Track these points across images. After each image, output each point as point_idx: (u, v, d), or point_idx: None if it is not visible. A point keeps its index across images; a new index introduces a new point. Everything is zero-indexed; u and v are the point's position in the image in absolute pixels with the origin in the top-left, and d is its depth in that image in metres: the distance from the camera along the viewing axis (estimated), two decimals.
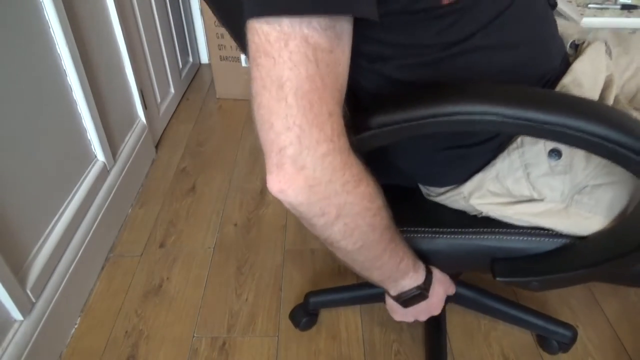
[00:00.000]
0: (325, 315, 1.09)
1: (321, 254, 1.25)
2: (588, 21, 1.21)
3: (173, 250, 1.27)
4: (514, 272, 0.63)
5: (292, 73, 0.41)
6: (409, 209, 0.73)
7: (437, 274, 0.68)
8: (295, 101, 0.41)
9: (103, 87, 1.27)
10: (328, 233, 0.50)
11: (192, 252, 1.27)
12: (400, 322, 1.07)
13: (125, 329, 1.07)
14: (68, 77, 1.09)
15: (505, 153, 0.61)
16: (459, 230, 0.66)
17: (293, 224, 1.34)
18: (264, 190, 1.47)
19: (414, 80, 0.55)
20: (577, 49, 0.68)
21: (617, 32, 0.83)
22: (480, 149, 0.62)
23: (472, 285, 1.01)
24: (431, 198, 0.71)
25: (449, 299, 0.99)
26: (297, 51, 0.40)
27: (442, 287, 0.70)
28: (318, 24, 0.40)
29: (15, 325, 0.90)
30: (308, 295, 1.05)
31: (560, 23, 0.75)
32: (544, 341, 1.01)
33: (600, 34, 0.82)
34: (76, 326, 1.07)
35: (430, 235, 0.66)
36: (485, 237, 0.64)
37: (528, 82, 0.59)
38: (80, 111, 1.15)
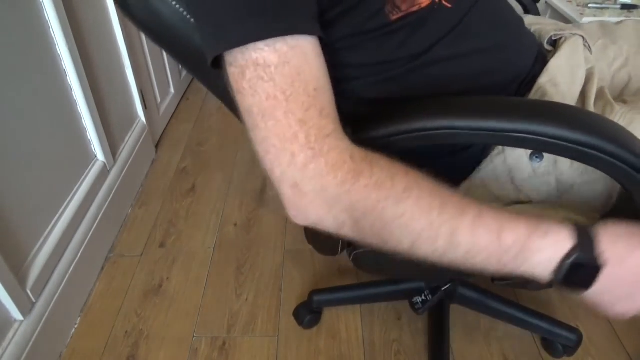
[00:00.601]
0: (325, 315, 1.09)
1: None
2: (588, 21, 1.22)
3: (173, 250, 1.27)
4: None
5: (254, 99, 0.42)
6: None
7: (609, 229, 0.44)
8: (264, 124, 0.42)
9: (103, 87, 1.27)
10: (368, 241, 0.45)
11: (192, 252, 1.27)
12: (400, 322, 1.07)
13: (125, 329, 1.07)
14: (68, 77, 1.09)
15: (488, 159, 0.61)
16: None
17: (293, 224, 1.34)
18: (264, 190, 1.48)
19: (383, 97, 0.55)
20: (555, 44, 0.68)
21: (602, 23, 0.83)
22: (463, 157, 0.62)
23: (478, 287, 1.01)
24: None
25: (453, 300, 0.98)
26: (252, 77, 0.42)
27: (629, 242, 0.44)
28: (264, 45, 0.41)
29: (15, 325, 0.90)
30: (312, 294, 1.05)
31: (535, 21, 0.75)
32: (548, 344, 1.01)
33: (586, 27, 0.82)
34: (76, 326, 1.07)
35: None
36: None
37: (501, 86, 0.60)
38: (80, 111, 1.15)
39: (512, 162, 0.60)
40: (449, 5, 0.52)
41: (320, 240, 0.78)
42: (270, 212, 1.39)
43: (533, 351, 1.01)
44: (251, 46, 0.41)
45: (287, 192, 0.44)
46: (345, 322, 1.08)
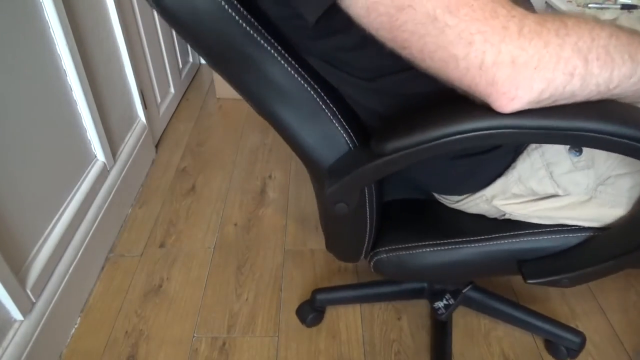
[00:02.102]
0: (325, 315, 1.09)
1: (321, 254, 1.25)
2: None
3: (173, 250, 1.27)
4: (543, 272, 0.63)
5: (434, 1, 0.39)
6: (427, 222, 0.73)
7: None
8: (455, 18, 0.39)
9: (103, 87, 1.27)
10: (595, 80, 0.42)
11: (192, 252, 1.27)
12: (400, 322, 1.07)
13: (125, 329, 1.07)
14: (68, 77, 1.09)
15: (524, 154, 0.61)
16: (482, 237, 0.65)
17: (293, 224, 1.35)
18: (264, 190, 1.48)
19: (424, 92, 0.53)
20: None
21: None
22: (498, 154, 0.62)
23: (484, 289, 1.01)
24: (449, 205, 0.71)
25: (460, 302, 0.98)
26: None
27: None
28: None
29: (15, 325, 0.90)
30: (315, 292, 1.06)
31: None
32: (552, 347, 1.00)
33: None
34: (76, 326, 1.07)
35: (453, 246, 0.66)
36: (510, 240, 0.64)
37: None
38: (80, 111, 1.14)
39: (550, 156, 0.59)
40: None
41: (341, 247, 0.77)
42: (270, 212, 1.39)
43: (533, 351, 1.02)
44: None
45: (504, 75, 0.40)
46: (345, 322, 1.08)
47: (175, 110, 1.90)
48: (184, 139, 1.72)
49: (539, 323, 1.00)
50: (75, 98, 1.12)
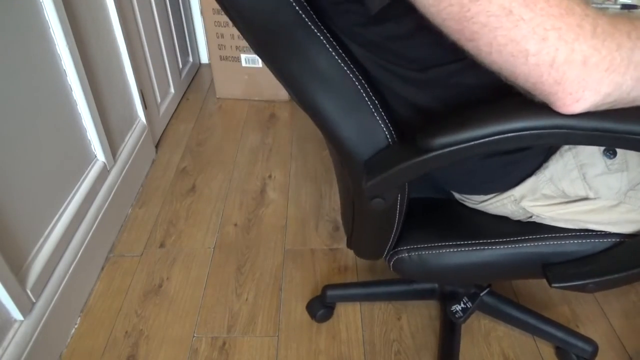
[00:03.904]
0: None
1: (321, 253, 1.25)
2: None
3: (173, 250, 1.27)
4: (569, 276, 0.61)
5: None
6: (449, 221, 0.72)
7: None
8: (531, 12, 0.38)
9: (103, 87, 1.27)
10: None
11: (192, 252, 1.27)
12: (400, 322, 1.07)
13: (125, 329, 1.07)
14: (68, 77, 1.09)
15: (557, 155, 0.60)
16: (507, 239, 0.64)
17: (293, 224, 1.34)
18: (264, 190, 1.48)
19: (476, 84, 0.50)
20: None
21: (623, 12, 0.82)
22: (530, 153, 0.61)
23: (499, 294, 1.01)
24: (470, 205, 0.70)
25: (477, 306, 0.96)
26: None
27: None
28: None
29: (16, 325, 0.90)
30: (325, 289, 1.06)
31: None
32: (563, 354, 0.99)
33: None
34: (76, 326, 1.07)
35: (477, 247, 0.64)
36: (535, 243, 0.63)
37: None
38: (80, 111, 1.14)
39: (584, 157, 0.59)
40: None
41: (365, 244, 0.75)
42: (270, 212, 1.39)
43: (533, 351, 1.01)
44: None
45: (574, 75, 0.39)
46: (345, 322, 1.08)
47: (175, 110, 1.90)
48: (184, 139, 1.72)
49: (551, 330, 0.98)
50: (75, 98, 1.12)
